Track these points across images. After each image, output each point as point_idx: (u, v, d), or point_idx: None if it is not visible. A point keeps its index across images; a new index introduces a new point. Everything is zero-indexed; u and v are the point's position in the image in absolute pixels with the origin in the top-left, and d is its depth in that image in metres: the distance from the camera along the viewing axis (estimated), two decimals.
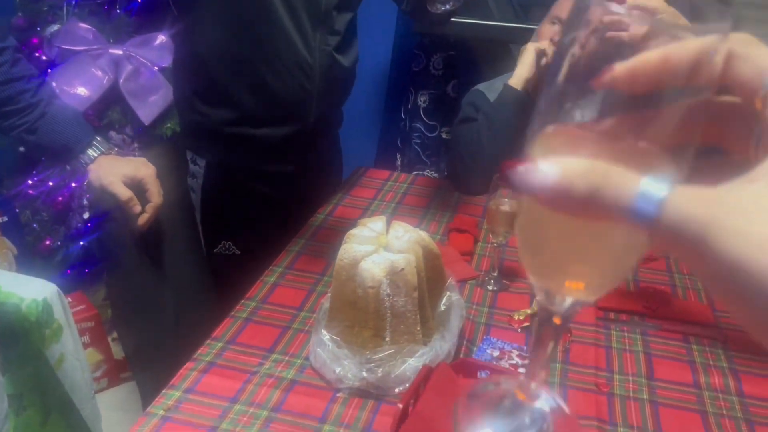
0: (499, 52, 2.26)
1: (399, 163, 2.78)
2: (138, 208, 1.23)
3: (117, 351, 2.30)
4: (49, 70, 2.09)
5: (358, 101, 1.94)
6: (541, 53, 1.70)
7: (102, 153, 1.24)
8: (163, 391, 1.05)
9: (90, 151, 1.23)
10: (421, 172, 2.70)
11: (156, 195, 1.25)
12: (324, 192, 1.74)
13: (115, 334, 2.31)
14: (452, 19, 2.19)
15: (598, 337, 1.23)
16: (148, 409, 1.02)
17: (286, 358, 1.14)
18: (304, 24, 1.43)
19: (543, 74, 1.73)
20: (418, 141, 2.73)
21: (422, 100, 2.69)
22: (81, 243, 2.21)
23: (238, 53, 1.42)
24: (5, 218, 2.21)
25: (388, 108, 2.82)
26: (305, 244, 1.49)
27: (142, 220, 1.24)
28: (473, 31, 2.21)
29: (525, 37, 1.89)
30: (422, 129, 2.71)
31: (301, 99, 1.49)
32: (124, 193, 1.21)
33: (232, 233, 1.55)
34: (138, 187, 1.24)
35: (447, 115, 2.61)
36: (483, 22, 2.17)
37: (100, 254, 1.80)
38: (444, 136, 2.69)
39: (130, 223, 1.25)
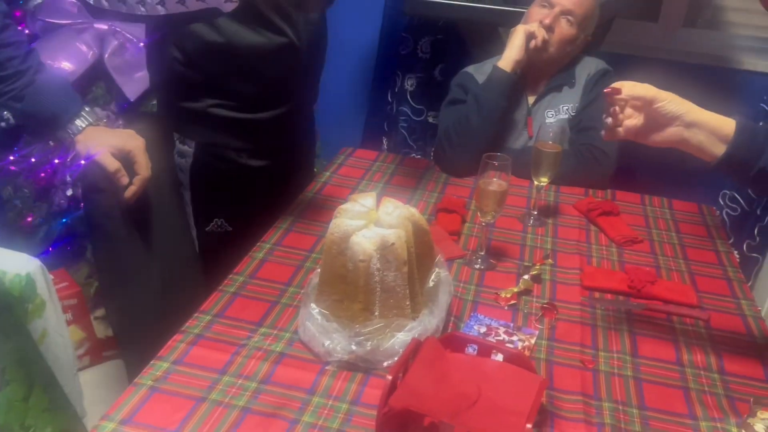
0: (488, 35, 2.26)
1: (385, 146, 2.77)
2: (126, 180, 1.22)
3: (100, 329, 2.28)
4: (32, 44, 2.06)
5: (344, 84, 1.93)
6: (530, 35, 1.71)
7: (90, 124, 1.22)
8: (152, 362, 1.05)
9: (78, 122, 1.21)
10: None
11: (144, 168, 1.24)
12: (304, 164, 1.76)
13: (97, 313, 2.29)
14: (441, 1, 2.19)
15: (584, 316, 1.24)
16: (136, 380, 1.01)
17: (275, 332, 1.14)
18: (285, 7, 1.43)
19: (532, 56, 1.73)
20: (405, 125, 2.72)
21: (409, 84, 2.68)
22: (64, 220, 2.18)
23: (225, 43, 1.40)
24: None
25: (374, 91, 2.81)
26: (293, 222, 1.49)
27: (129, 192, 1.23)
28: (462, 14, 2.21)
29: (514, 20, 1.89)
30: (409, 113, 2.70)
31: (290, 80, 1.49)
32: (111, 163, 1.20)
33: (223, 211, 1.55)
34: (126, 160, 1.23)
35: (434, 99, 2.60)
36: (472, 5, 2.16)
37: (87, 226, 1.77)
38: (431, 120, 2.69)
39: (118, 195, 1.23)
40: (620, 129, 1.11)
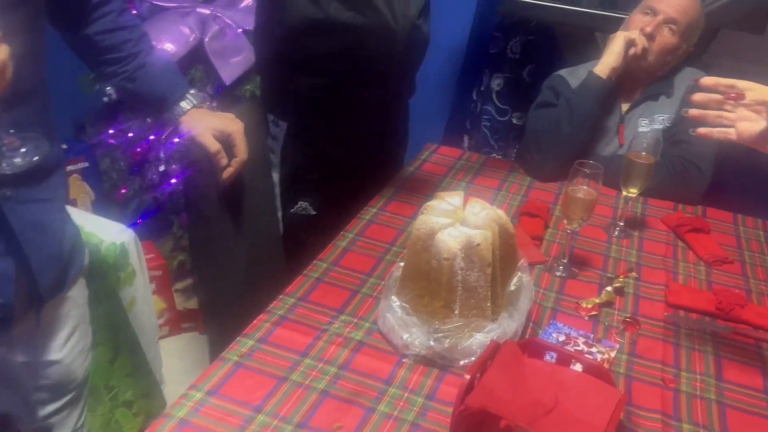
0: (583, 39, 2.22)
1: (466, 144, 2.76)
2: (225, 161, 1.27)
3: (180, 301, 2.38)
4: None
5: (430, 79, 1.94)
6: (630, 42, 1.66)
7: (194, 106, 1.27)
8: (237, 338, 1.09)
9: (183, 103, 1.26)
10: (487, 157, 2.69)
11: (242, 150, 1.28)
12: (395, 158, 1.77)
13: (178, 285, 2.39)
14: (537, 2, 2.16)
15: (667, 333, 1.21)
16: (222, 354, 1.06)
17: (355, 320, 1.17)
18: None
19: (630, 64, 1.69)
20: (488, 124, 2.70)
21: (496, 84, 2.65)
22: (154, 194, 2.29)
23: (324, 19, 1.44)
24: (86, 164, 2.30)
25: (459, 88, 2.80)
26: (376, 214, 1.51)
27: (227, 173, 1.28)
28: (558, 16, 2.17)
29: (612, 25, 1.85)
30: (493, 112, 2.68)
31: (384, 63, 1.51)
32: (213, 144, 1.25)
33: (308, 194, 1.59)
34: (226, 142, 1.27)
35: (520, 100, 2.58)
36: (570, 8, 2.12)
37: (184, 203, 1.86)
38: (515, 121, 2.66)
39: (216, 176, 1.28)
40: (732, 130, 1.03)
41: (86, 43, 1.17)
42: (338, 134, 1.58)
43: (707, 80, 1.06)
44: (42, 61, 0.98)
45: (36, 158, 0.83)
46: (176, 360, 2.26)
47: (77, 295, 1.16)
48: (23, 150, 0.81)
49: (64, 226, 1.08)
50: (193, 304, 2.41)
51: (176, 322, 2.38)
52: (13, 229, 0.94)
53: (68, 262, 1.10)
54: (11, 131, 0.80)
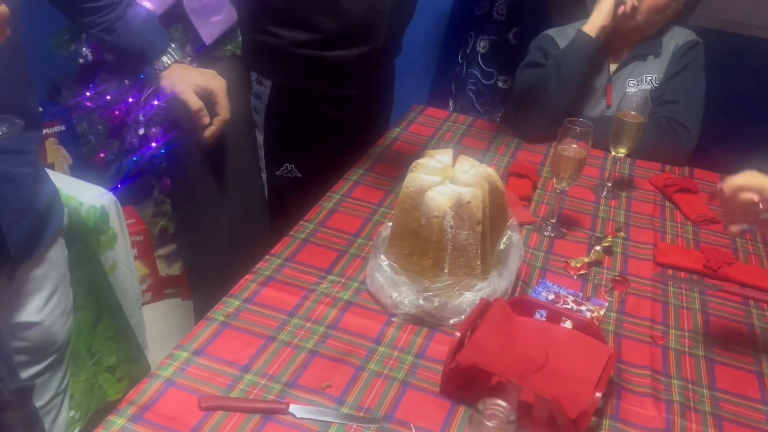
0: (570, 0, 2.18)
1: (451, 108, 2.73)
2: (207, 120, 1.23)
3: (162, 267, 2.35)
4: None
5: (414, 42, 1.90)
6: (619, 1, 1.64)
7: (176, 61, 1.23)
8: (223, 299, 1.07)
9: (164, 58, 1.22)
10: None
11: (225, 109, 1.25)
12: (380, 120, 1.73)
13: (160, 251, 2.36)
14: None
15: (655, 292, 1.21)
16: (208, 314, 1.04)
17: (343, 280, 1.15)
18: None
19: (618, 23, 1.67)
20: (473, 88, 2.67)
21: (481, 46, 2.61)
22: (134, 158, 2.24)
23: None
24: (63, 127, 2.24)
25: (444, 51, 2.76)
26: (363, 175, 1.49)
27: (209, 132, 1.24)
28: None
29: None
30: (478, 76, 2.65)
31: (373, 20, 1.47)
32: (195, 102, 1.21)
33: (294, 156, 1.55)
34: (208, 99, 1.24)
35: (506, 63, 2.54)
36: None
37: (167, 163, 1.81)
38: (500, 85, 2.63)
39: (197, 134, 1.25)
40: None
41: None
42: (324, 92, 1.53)
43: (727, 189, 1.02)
44: (19, 10, 0.93)
45: (5, 134, 0.80)
46: (159, 326, 2.24)
47: (56, 255, 1.13)
48: None
49: (37, 181, 1.04)
50: (175, 270, 2.38)
51: (159, 288, 2.35)
52: None
53: (44, 219, 1.06)
54: None
